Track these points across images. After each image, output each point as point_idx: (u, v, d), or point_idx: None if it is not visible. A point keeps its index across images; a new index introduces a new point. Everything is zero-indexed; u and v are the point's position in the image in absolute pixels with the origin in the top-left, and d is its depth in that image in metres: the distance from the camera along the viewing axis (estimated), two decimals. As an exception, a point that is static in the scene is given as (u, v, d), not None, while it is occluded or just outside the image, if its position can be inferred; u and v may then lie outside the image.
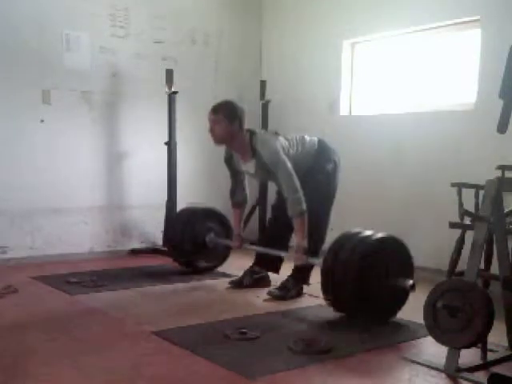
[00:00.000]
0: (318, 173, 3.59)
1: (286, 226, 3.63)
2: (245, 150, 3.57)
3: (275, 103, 5.50)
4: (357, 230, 3.19)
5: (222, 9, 5.66)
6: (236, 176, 3.85)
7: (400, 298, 3.15)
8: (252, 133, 3.56)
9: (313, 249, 3.56)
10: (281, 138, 3.56)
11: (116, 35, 5.01)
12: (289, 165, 3.43)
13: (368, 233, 3.13)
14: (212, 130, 3.56)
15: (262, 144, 3.48)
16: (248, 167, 3.65)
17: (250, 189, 5.53)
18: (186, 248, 4.23)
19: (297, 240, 3.44)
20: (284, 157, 3.44)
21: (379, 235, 3.10)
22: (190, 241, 4.22)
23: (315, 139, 3.70)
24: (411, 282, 3.07)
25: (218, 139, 3.56)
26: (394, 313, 3.17)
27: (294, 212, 3.39)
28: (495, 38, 3.99)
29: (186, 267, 4.34)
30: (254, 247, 3.96)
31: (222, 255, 4.40)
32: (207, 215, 4.34)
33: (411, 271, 3.17)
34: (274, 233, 3.89)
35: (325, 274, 3.12)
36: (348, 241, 3.10)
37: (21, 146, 4.59)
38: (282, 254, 3.72)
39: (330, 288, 3.10)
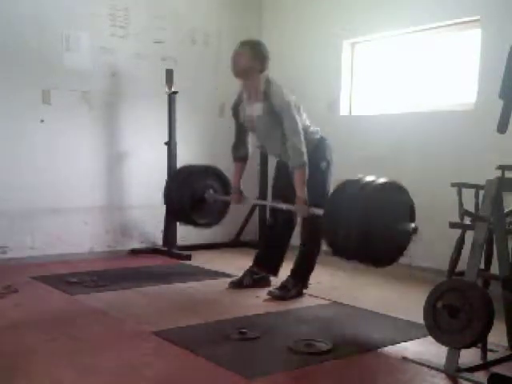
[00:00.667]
0: (312, 171, 3.56)
1: (286, 224, 3.63)
2: (257, 91, 3.57)
3: (275, 103, 5.50)
4: (358, 176, 3.10)
5: (222, 9, 5.67)
6: (240, 130, 3.82)
7: (403, 242, 3.06)
8: (269, 80, 3.58)
9: (311, 247, 3.58)
10: (295, 99, 3.56)
11: (116, 35, 5.01)
12: (297, 117, 3.45)
13: (370, 178, 3.05)
14: (235, 61, 3.57)
15: (277, 89, 3.51)
16: (254, 110, 3.60)
17: (251, 189, 5.55)
18: (185, 203, 4.07)
19: (297, 192, 3.43)
20: (294, 109, 3.46)
21: (381, 180, 3.02)
22: (189, 197, 4.07)
23: (318, 135, 3.68)
24: (413, 225, 3.00)
25: (239, 70, 3.56)
26: (397, 257, 3.07)
27: (296, 163, 3.41)
28: (495, 38, 3.99)
29: (185, 223, 4.25)
30: (254, 201, 3.87)
31: (221, 211, 4.23)
32: (207, 172, 4.20)
33: (413, 216, 3.07)
34: (275, 232, 3.89)
35: (327, 220, 3.05)
36: (350, 187, 3.02)
37: (21, 146, 4.59)
38: (284, 206, 3.59)
39: (333, 235, 3.02)
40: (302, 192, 3.41)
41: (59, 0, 4.71)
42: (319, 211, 3.24)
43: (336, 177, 4.50)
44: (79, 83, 4.82)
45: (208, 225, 4.25)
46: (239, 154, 3.87)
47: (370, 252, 2.94)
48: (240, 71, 3.55)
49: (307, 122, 3.64)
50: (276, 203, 3.70)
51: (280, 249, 3.85)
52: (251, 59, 3.51)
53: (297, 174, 3.43)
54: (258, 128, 3.66)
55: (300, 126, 3.46)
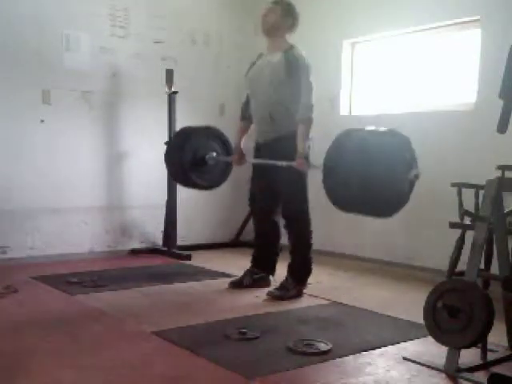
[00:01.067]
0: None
1: (270, 223, 3.74)
2: (280, 48, 3.62)
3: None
4: (356, 127, 3.09)
5: (222, 9, 5.67)
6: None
7: (404, 189, 3.01)
8: (295, 45, 3.65)
9: (301, 247, 3.66)
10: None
11: (116, 35, 5.01)
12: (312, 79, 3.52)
13: (368, 128, 3.04)
14: (265, 16, 3.64)
15: (302, 53, 3.58)
16: (272, 58, 3.63)
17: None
18: (185, 164, 3.99)
19: (299, 146, 3.44)
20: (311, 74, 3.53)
21: (381, 129, 3.02)
22: (190, 157, 3.99)
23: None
24: (415, 171, 2.96)
25: (268, 27, 3.63)
26: (399, 205, 3.03)
27: (304, 116, 3.47)
28: (495, 38, 3.99)
29: (185, 185, 4.19)
30: (254, 160, 3.83)
31: (223, 173, 4.16)
32: (208, 134, 4.14)
33: (414, 162, 3.00)
34: (262, 231, 3.92)
35: (328, 172, 2.99)
36: (349, 138, 2.98)
37: (21, 146, 4.59)
38: (284, 163, 3.50)
39: (334, 186, 2.96)
40: (302, 147, 3.44)
41: (59, 0, 4.71)
42: (318, 165, 3.16)
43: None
44: (79, 83, 4.82)
45: (209, 187, 4.19)
46: (247, 112, 3.87)
47: (371, 201, 2.90)
48: (270, 28, 3.63)
49: None
50: (275, 162, 3.59)
51: (271, 249, 3.87)
52: (282, 18, 3.61)
53: (301, 128, 3.47)
54: (265, 79, 3.63)
55: (313, 89, 3.52)
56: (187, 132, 4.17)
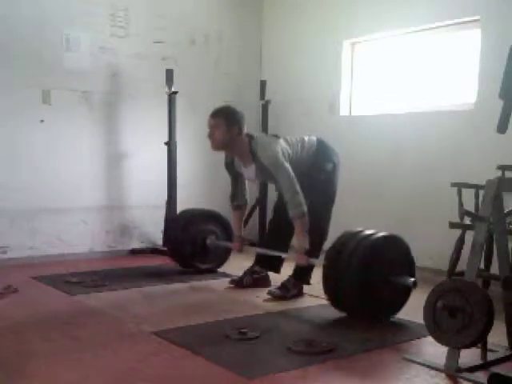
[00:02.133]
0: (318, 173, 3.59)
1: (287, 227, 3.64)
2: (244, 155, 3.57)
3: (275, 103, 5.50)
4: (358, 229, 3.19)
5: (222, 9, 5.67)
6: (237, 180, 3.84)
7: (402, 296, 3.16)
8: (251, 137, 3.56)
9: (314, 249, 3.57)
10: (280, 141, 3.55)
11: (116, 35, 5.01)
12: (289, 168, 3.43)
13: (369, 232, 3.14)
14: (211, 135, 3.55)
15: (262, 147, 3.48)
16: (249, 172, 3.65)
17: (250, 188, 5.54)
18: (187, 250, 4.24)
19: (297, 241, 3.45)
20: (283, 159, 3.43)
21: (380, 234, 3.11)
22: (190, 243, 4.23)
23: (314, 139, 3.70)
24: (413, 279, 3.08)
25: (217, 144, 3.55)
26: (397, 310, 3.18)
27: (295, 214, 3.40)
28: (495, 38, 3.99)
29: (187, 268, 4.35)
30: (257, 250, 3.96)
31: (223, 257, 4.41)
32: (207, 217, 4.36)
33: (413, 269, 3.18)
34: (275, 234, 3.89)
35: (326, 274, 3.13)
36: (349, 240, 3.11)
37: (21, 146, 4.59)
38: (283, 255, 3.73)
39: (331, 288, 3.11)
40: (301, 242, 3.43)
41: (59, 0, 4.71)
42: (316, 261, 3.41)
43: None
44: (79, 83, 4.82)
45: (210, 270, 4.35)
46: (238, 202, 3.89)
47: (368, 308, 3.04)
48: (221, 145, 3.56)
49: (298, 140, 3.64)
50: (275, 252, 3.73)
51: (282, 246, 3.85)
52: (228, 129, 3.49)
53: (297, 225, 3.43)
54: (257, 181, 3.85)
55: (292, 176, 3.41)
56: (187, 217, 4.37)
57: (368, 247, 3.03)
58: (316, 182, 3.57)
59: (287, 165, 3.43)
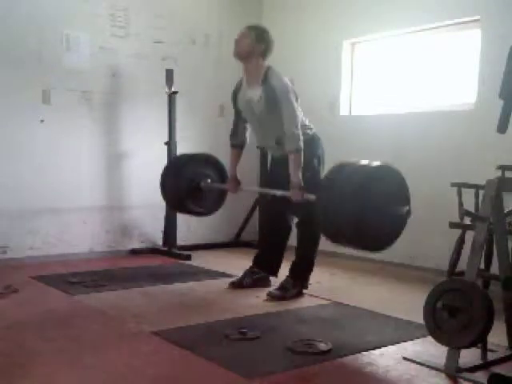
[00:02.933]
0: (305, 170, 3.54)
1: (281, 226, 3.70)
2: (257, 75, 3.58)
3: (275, 103, 5.50)
4: (351, 160, 3.09)
5: (222, 9, 5.67)
6: (239, 117, 3.82)
7: (397, 225, 3.04)
8: (270, 66, 3.61)
9: (308, 247, 3.62)
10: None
11: (116, 35, 5.01)
12: (295, 104, 3.48)
13: (362, 162, 3.04)
14: (237, 42, 3.61)
15: (278, 77, 3.53)
16: (252, 94, 3.60)
17: (250, 187, 5.52)
18: (181, 193, 4.05)
19: (292, 177, 3.42)
20: (293, 96, 3.48)
21: (373, 164, 3.00)
22: (185, 185, 4.04)
23: (311, 131, 3.67)
24: (407, 207, 2.99)
25: (239, 52, 3.59)
26: (392, 240, 3.06)
27: (292, 148, 3.42)
28: (495, 38, 3.99)
29: (183, 213, 4.25)
30: (251, 189, 3.85)
31: (218, 200, 4.21)
32: (203, 161, 4.18)
33: (407, 198, 3.06)
34: (272, 232, 3.90)
35: (322, 207, 3.02)
36: (342, 171, 3.00)
37: (21, 146, 4.59)
38: (278, 192, 3.55)
39: (328, 221, 3.00)
40: (296, 177, 3.41)
41: (59, 0, 4.71)
42: (312, 197, 3.21)
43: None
44: (79, 83, 4.82)
45: (205, 213, 4.22)
46: (236, 140, 3.88)
47: (363, 238, 2.94)
48: (242, 54, 3.59)
49: (302, 115, 3.63)
50: (270, 190, 3.65)
51: (278, 249, 3.85)
52: (254, 43, 3.55)
53: (292, 159, 3.44)
54: (255, 113, 3.63)
55: (297, 112, 3.48)
56: (183, 159, 4.23)
57: (361, 178, 2.90)
58: (303, 181, 3.53)
59: (295, 102, 3.48)
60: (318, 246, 3.69)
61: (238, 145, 3.88)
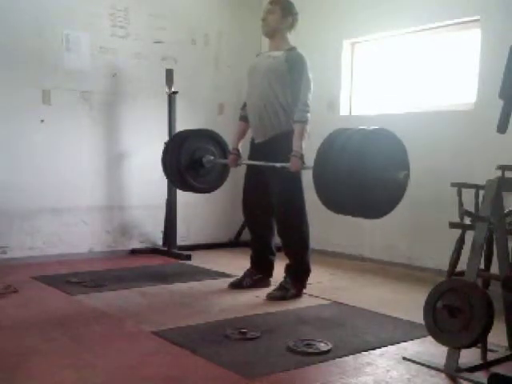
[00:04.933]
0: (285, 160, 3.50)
1: (264, 225, 3.76)
2: (283, 46, 3.63)
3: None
4: (346, 128, 3.07)
5: (222, 8, 5.67)
6: None
7: (397, 191, 3.01)
8: (295, 46, 3.65)
9: (297, 251, 3.64)
10: None
11: (116, 35, 5.01)
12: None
13: (359, 128, 3.02)
14: (265, 19, 3.63)
15: (301, 55, 3.57)
16: (273, 54, 3.61)
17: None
18: (182, 168, 4.02)
19: (294, 146, 3.44)
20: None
21: (371, 128, 2.97)
22: (186, 160, 4.02)
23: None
24: (405, 172, 2.95)
25: (268, 29, 3.63)
26: (392, 207, 3.03)
27: (300, 116, 3.48)
28: (495, 38, 3.99)
29: (182, 188, 4.22)
30: (249, 162, 3.82)
31: (221, 176, 4.18)
32: (205, 137, 4.15)
33: (406, 163, 3.03)
34: (255, 234, 3.92)
35: (318, 176, 2.98)
36: (337, 138, 2.97)
37: (21, 146, 4.59)
38: (278, 164, 3.50)
39: (325, 189, 2.96)
40: (298, 146, 3.44)
41: (59, 0, 4.71)
42: (310, 167, 3.14)
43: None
44: (79, 83, 4.82)
45: (206, 190, 4.20)
46: (245, 112, 3.83)
47: (360, 201, 2.88)
48: (271, 30, 3.62)
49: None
50: (268, 163, 3.59)
51: (267, 248, 3.86)
52: (281, 18, 3.60)
53: (298, 128, 3.47)
54: (260, 70, 3.61)
55: (311, 86, 3.53)
56: (184, 135, 4.18)
57: (355, 144, 2.85)
58: (290, 173, 3.50)
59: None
60: (307, 244, 3.67)
61: (246, 117, 3.82)
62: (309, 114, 3.49)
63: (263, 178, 3.68)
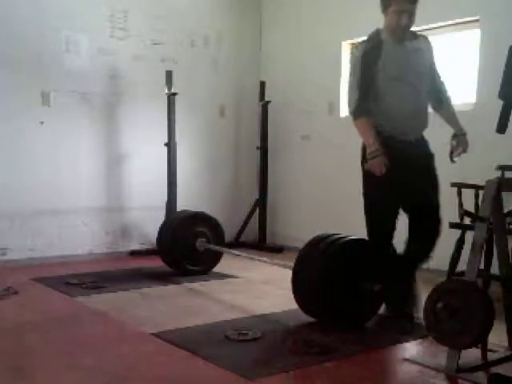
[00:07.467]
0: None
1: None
2: (407, 30, 3.28)
3: (275, 104, 5.50)
4: (329, 233, 3.12)
5: (222, 9, 5.67)
6: (369, 81, 3.24)
7: (374, 302, 3.05)
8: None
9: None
10: None
11: (115, 37, 5.01)
12: None
13: (337, 236, 3.06)
14: (409, 18, 3.18)
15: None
16: (411, 45, 3.31)
17: (250, 189, 5.55)
18: (176, 253, 4.26)
19: (459, 125, 3.44)
20: None
21: (347, 238, 3.03)
22: (180, 246, 4.26)
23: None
24: (378, 286, 2.95)
25: (409, 28, 3.27)
26: (368, 318, 3.06)
27: (451, 101, 3.51)
28: (495, 38, 3.99)
29: (177, 270, 4.35)
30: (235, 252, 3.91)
31: (213, 259, 4.39)
32: (198, 220, 4.37)
33: (384, 276, 3.02)
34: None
35: (294, 279, 3.07)
36: (316, 245, 3.03)
37: (21, 147, 4.59)
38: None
39: (300, 294, 3.06)
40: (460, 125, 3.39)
41: (59, 2, 4.72)
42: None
43: (337, 177, 4.49)
44: (79, 85, 4.82)
45: (200, 272, 4.34)
46: (367, 105, 3.25)
47: (336, 314, 2.96)
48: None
49: None
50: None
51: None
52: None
53: (454, 110, 3.46)
54: (415, 65, 3.32)
55: None
56: (177, 220, 4.45)
57: (331, 252, 2.94)
58: None
59: None
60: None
61: (370, 110, 3.25)
62: None
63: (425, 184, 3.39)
